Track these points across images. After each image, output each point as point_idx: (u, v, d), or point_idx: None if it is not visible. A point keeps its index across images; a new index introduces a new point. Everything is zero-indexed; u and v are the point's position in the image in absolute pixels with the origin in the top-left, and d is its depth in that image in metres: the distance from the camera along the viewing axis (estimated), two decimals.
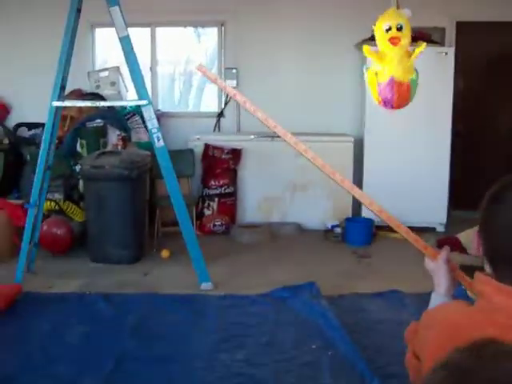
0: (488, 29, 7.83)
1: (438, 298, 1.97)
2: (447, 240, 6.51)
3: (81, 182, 6.60)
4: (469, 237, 6.34)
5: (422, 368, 1.58)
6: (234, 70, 7.88)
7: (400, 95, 3.99)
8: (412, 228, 6.76)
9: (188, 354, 4.24)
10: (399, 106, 4.09)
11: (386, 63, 3.88)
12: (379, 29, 3.86)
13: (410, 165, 7.25)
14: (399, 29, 3.77)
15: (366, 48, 3.91)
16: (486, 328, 1.40)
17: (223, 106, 8.03)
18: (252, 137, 7.53)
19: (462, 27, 7.84)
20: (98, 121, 7.12)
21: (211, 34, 8.21)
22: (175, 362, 4.11)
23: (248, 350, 4.29)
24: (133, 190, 6.14)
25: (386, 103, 4.07)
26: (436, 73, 7.05)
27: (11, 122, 7.96)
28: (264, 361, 4.13)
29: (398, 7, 3.90)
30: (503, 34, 7.87)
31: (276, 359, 4.17)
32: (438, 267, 2.00)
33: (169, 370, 3.97)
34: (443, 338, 1.51)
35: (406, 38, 3.79)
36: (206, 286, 5.43)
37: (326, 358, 4.16)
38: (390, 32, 3.78)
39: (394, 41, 3.77)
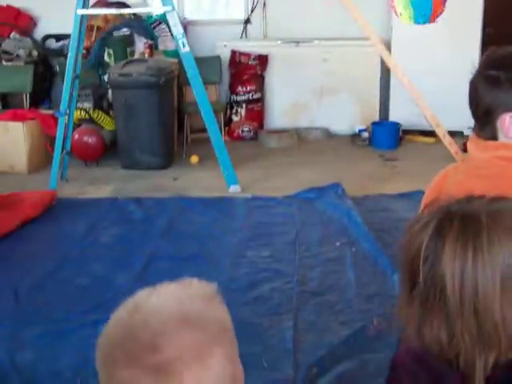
0: None
1: None
2: None
3: (109, 91, 6.69)
4: None
5: None
6: None
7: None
8: None
9: (216, 252, 4.41)
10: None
11: None
12: None
13: (438, 68, 7.17)
14: None
15: None
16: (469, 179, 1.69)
17: (250, 13, 7.95)
18: (279, 42, 7.50)
19: None
20: (125, 30, 7.13)
21: None
22: (204, 259, 4.28)
23: (274, 248, 4.45)
24: (160, 97, 6.22)
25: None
26: None
27: (39, 33, 7.99)
28: (289, 257, 4.29)
29: None
30: None
31: (301, 256, 4.32)
32: None
33: (197, 267, 4.14)
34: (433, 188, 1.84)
35: None
36: (234, 188, 5.56)
37: (350, 255, 4.31)
38: None
39: None
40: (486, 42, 7.32)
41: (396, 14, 4.10)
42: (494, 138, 1.72)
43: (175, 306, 0.99)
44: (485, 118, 1.73)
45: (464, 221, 1.09)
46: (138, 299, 1.02)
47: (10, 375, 3.04)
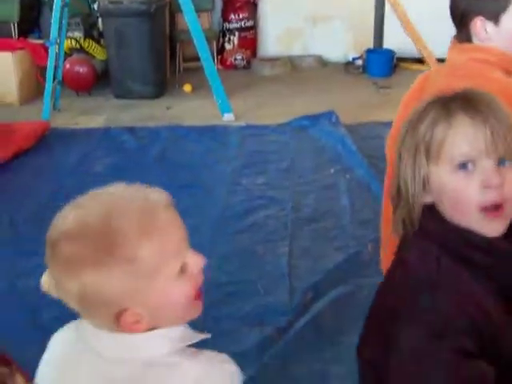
0: None
1: None
2: None
3: (100, 20, 6.57)
4: None
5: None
6: None
7: None
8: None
9: (210, 180, 4.42)
10: None
11: None
12: None
13: None
14: None
15: None
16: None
17: None
18: None
19: None
20: None
21: None
22: (198, 188, 4.29)
23: (268, 175, 4.46)
24: (152, 24, 6.12)
25: None
26: None
27: None
28: (284, 184, 4.31)
29: None
30: None
31: (296, 182, 4.34)
32: None
33: (192, 195, 4.14)
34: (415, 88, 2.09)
35: None
36: (228, 116, 5.53)
37: (344, 181, 4.33)
38: None
39: None
40: None
41: None
42: (470, 41, 1.87)
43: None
44: (460, 23, 1.87)
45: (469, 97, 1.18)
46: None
47: (12, 300, 3.08)
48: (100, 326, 1.08)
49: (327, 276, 3.22)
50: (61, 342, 1.18)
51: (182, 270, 1.06)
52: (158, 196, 1.09)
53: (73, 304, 1.06)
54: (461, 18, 1.86)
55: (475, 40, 1.86)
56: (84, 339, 1.11)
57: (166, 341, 1.08)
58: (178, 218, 1.09)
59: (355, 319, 2.94)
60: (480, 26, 1.81)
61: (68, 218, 1.05)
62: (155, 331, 1.08)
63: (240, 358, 2.86)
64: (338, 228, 3.74)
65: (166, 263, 1.04)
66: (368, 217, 3.84)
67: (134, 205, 1.05)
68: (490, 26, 1.81)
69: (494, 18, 1.80)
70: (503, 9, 1.78)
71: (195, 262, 1.09)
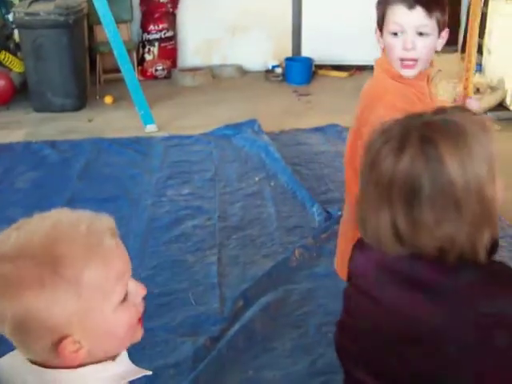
0: None
1: None
2: None
3: (16, 31, 6.45)
4: None
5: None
6: None
7: None
8: (352, 66, 6.94)
9: (136, 192, 4.40)
10: None
11: None
12: None
13: (349, 2, 7.23)
14: None
15: None
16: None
17: None
18: None
19: None
20: None
21: None
22: (124, 200, 4.27)
23: (194, 185, 4.48)
24: (70, 36, 6.04)
25: None
26: None
27: None
28: (210, 194, 4.34)
29: None
30: None
31: (221, 192, 4.38)
32: None
33: (118, 208, 4.12)
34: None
35: None
36: (150, 127, 5.53)
37: (269, 189, 4.39)
38: None
39: None
40: None
41: None
42: None
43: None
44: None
45: (445, 127, 1.18)
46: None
47: None
48: (33, 358, 1.03)
49: (257, 283, 3.27)
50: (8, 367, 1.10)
51: (125, 298, 1.05)
52: (105, 222, 1.07)
53: (7, 333, 1.00)
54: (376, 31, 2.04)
55: None
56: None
57: (103, 381, 1.05)
58: (122, 246, 1.08)
59: (286, 325, 3.03)
60: (378, 38, 2.05)
61: (10, 238, 1.01)
62: (92, 366, 1.04)
63: (174, 369, 2.89)
64: (265, 235, 3.80)
65: (111, 289, 1.02)
66: (294, 224, 3.92)
67: (79, 229, 1.02)
68: (379, 37, 2.02)
69: (381, 31, 2.01)
70: (382, 23, 2.00)
71: (137, 291, 1.08)
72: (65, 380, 1.02)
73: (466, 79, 2.90)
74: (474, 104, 2.30)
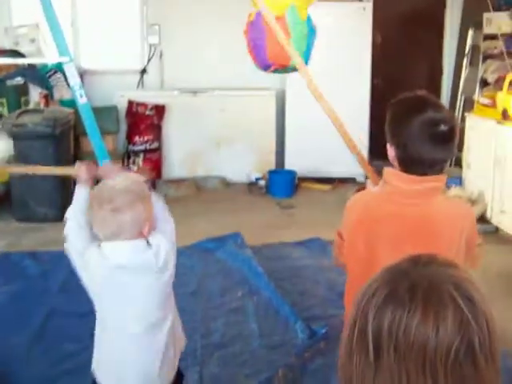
0: None
1: None
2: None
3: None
4: None
5: (343, 243, 2.27)
6: (157, 27, 7.84)
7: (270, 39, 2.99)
8: (335, 179, 7.01)
9: None
10: (276, 58, 3.02)
11: None
12: None
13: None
14: None
15: None
16: (386, 205, 2.11)
17: (146, 63, 8.00)
18: (176, 92, 7.57)
19: None
20: (18, 78, 7.01)
21: None
22: None
23: (176, 299, 4.40)
24: (57, 147, 6.12)
25: (257, 55, 3.16)
26: (355, 28, 7.22)
27: None
28: (192, 309, 4.26)
29: None
30: None
31: (204, 307, 4.32)
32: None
33: None
34: (359, 214, 2.19)
35: None
36: None
37: (252, 304, 4.34)
38: None
39: None
40: (374, 91, 7.67)
41: None
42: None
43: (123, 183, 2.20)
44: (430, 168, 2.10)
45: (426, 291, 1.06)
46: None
47: None
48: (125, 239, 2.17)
49: None
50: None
51: None
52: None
53: (112, 229, 2.15)
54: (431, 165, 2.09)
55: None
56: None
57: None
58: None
59: None
60: (390, 152, 2.16)
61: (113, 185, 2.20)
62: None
63: None
64: (247, 352, 3.71)
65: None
66: (277, 341, 3.85)
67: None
68: None
69: None
70: None
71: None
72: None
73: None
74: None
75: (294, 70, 2.90)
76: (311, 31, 2.89)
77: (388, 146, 2.17)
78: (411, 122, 2.06)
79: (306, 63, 2.94)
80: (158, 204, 2.39)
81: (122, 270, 2.17)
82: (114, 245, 2.17)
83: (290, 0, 2.70)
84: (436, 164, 2.09)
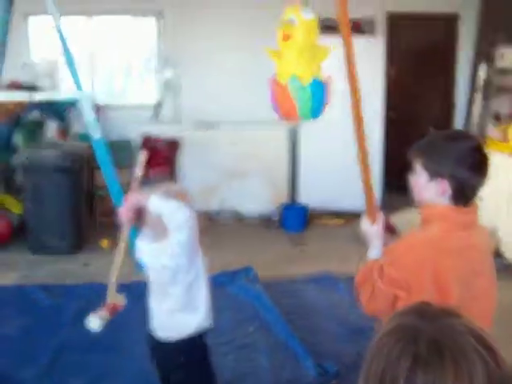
0: (417, 20, 8.11)
1: (374, 255, 2.28)
2: None
3: (18, 174, 6.58)
4: (401, 219, 6.60)
5: (411, 295, 1.97)
6: (172, 61, 7.93)
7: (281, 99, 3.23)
8: (348, 212, 7.00)
9: (128, 341, 4.32)
10: (288, 114, 3.27)
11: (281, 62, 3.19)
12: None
13: (344, 152, 7.39)
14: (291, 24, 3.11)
15: (268, 50, 3.19)
16: (450, 242, 2.01)
17: (161, 97, 8.07)
18: (190, 126, 7.63)
19: (393, 18, 8.07)
20: (35, 113, 7.10)
21: (149, 23, 8.21)
22: (115, 350, 4.19)
23: None
24: (72, 180, 6.18)
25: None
26: (367, 62, 7.26)
27: None
28: None
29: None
30: (431, 25, 8.18)
31: (215, 342, 4.27)
32: (375, 231, 2.31)
33: (109, 358, 4.06)
34: (427, 251, 2.00)
35: (299, 33, 3.03)
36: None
37: (263, 339, 4.33)
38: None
39: (284, 37, 3.12)
40: (388, 123, 7.71)
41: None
42: None
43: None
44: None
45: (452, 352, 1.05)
46: None
47: None
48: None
49: None
50: None
51: None
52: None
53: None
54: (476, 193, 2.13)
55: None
56: None
57: None
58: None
59: None
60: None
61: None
62: None
63: None
64: None
65: None
66: (288, 377, 3.84)
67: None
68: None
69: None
70: None
71: None
72: None
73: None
74: None
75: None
76: (318, 89, 3.01)
77: (433, 181, 2.08)
78: (460, 151, 2.04)
79: (317, 117, 3.09)
80: None
81: None
82: None
83: (291, 70, 2.89)
84: (478, 191, 2.14)
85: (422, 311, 1.13)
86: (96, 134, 5.42)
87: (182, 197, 2.59)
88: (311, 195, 7.47)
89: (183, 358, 2.72)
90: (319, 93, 3.05)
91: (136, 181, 2.66)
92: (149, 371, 3.90)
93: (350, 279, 5.47)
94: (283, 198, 7.58)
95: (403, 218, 6.56)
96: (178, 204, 2.53)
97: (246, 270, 5.48)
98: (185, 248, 2.56)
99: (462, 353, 1.02)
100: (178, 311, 2.70)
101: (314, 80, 2.98)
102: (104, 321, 2.76)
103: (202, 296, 2.79)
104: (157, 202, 2.50)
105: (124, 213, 2.59)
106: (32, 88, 7.10)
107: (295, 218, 7.20)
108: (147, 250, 2.69)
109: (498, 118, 7.03)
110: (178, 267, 2.58)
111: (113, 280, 3.00)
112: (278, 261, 6.02)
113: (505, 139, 6.07)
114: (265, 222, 7.32)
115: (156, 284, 2.76)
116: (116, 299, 2.98)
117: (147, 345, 2.90)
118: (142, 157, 2.76)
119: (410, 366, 1.02)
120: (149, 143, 7.51)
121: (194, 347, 2.77)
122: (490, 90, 7.49)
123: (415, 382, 1.01)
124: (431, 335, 1.05)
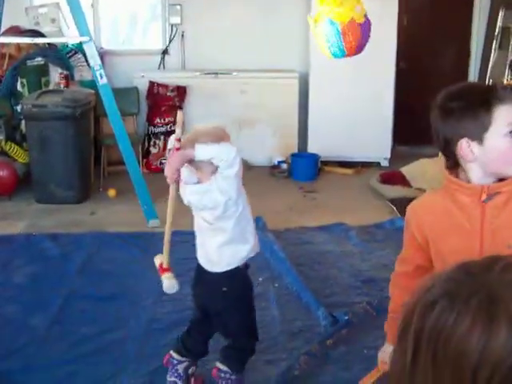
0: None
1: None
2: (391, 174, 6.64)
3: (23, 123, 6.47)
4: (411, 171, 6.48)
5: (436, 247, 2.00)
6: (179, 7, 7.73)
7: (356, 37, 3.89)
8: (358, 163, 6.95)
9: (137, 290, 4.27)
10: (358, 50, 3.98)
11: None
12: None
13: (355, 101, 7.28)
14: None
15: None
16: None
17: (168, 43, 7.90)
18: (197, 73, 7.48)
19: None
20: (39, 59, 6.96)
21: None
22: (124, 299, 4.15)
23: None
24: (77, 128, 6.06)
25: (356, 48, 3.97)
26: (380, 9, 7.05)
27: None
28: None
29: None
30: None
31: None
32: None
33: (118, 306, 4.02)
34: None
35: None
36: (153, 222, 5.45)
37: (273, 290, 4.26)
38: None
39: None
40: (399, 75, 7.51)
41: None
42: (458, 165, 1.92)
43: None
44: (446, 149, 1.90)
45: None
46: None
47: None
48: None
49: None
50: None
51: None
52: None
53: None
54: (445, 144, 1.90)
55: (462, 162, 1.89)
56: None
57: None
58: None
59: None
60: (466, 148, 1.84)
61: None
62: None
63: None
64: (268, 340, 3.63)
65: None
66: (298, 328, 3.78)
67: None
68: (475, 146, 1.84)
69: (478, 138, 1.82)
70: (485, 128, 1.81)
71: None
72: None
73: None
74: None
75: None
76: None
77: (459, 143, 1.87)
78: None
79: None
80: None
81: None
82: None
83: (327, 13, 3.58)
84: None
85: (495, 263, 0.98)
86: (102, 80, 5.30)
87: (221, 136, 2.65)
88: (321, 145, 7.34)
89: (226, 288, 2.84)
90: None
91: (177, 140, 2.58)
92: (156, 319, 3.88)
93: (361, 228, 5.45)
94: (293, 147, 7.45)
95: (413, 170, 6.44)
96: (223, 144, 2.59)
97: (256, 220, 5.37)
98: (234, 182, 2.64)
99: (492, 307, 0.90)
100: (230, 244, 2.78)
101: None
102: (174, 279, 3.01)
103: (251, 227, 2.88)
104: (204, 150, 2.53)
105: (170, 174, 2.61)
106: (35, 33, 6.93)
107: (305, 167, 7.09)
108: (198, 191, 2.71)
109: None
110: (230, 201, 2.67)
111: (168, 240, 3.19)
112: (288, 210, 5.94)
113: None
114: (274, 171, 7.21)
115: (207, 223, 2.82)
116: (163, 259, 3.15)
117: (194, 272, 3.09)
118: (180, 116, 2.69)
119: (430, 301, 0.94)
120: (155, 90, 7.37)
121: (239, 277, 2.92)
122: (508, 38, 7.28)
123: (426, 319, 0.93)
124: (478, 284, 0.94)
